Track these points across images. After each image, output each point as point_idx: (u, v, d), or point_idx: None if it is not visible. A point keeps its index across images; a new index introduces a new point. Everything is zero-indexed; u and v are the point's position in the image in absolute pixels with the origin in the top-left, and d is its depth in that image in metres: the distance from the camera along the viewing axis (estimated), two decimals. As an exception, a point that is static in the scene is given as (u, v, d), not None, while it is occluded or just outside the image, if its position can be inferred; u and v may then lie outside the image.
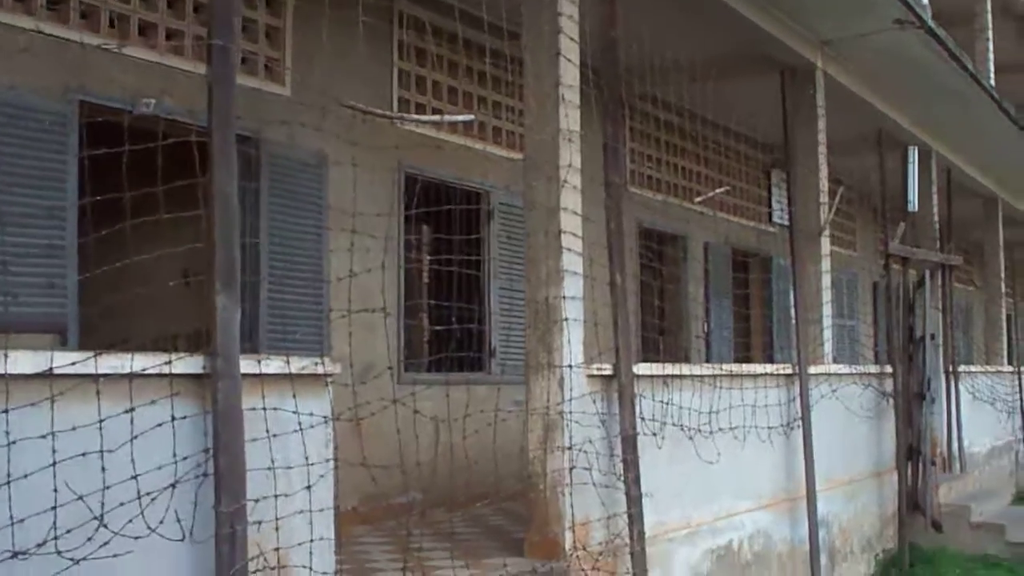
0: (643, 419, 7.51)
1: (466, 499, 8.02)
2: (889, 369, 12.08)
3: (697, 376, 8.34)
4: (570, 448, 6.86)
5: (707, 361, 12.83)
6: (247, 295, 8.01)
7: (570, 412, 6.87)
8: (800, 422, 9.84)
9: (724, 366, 8.82)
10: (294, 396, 4.87)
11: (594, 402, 7.11)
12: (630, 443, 7.22)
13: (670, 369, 8.00)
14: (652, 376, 7.75)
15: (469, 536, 7.99)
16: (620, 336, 7.31)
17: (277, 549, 4.71)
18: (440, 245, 10.66)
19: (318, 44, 7.83)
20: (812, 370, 10.22)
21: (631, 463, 7.19)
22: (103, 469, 4.07)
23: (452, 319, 9.92)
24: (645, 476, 7.23)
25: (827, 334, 10.94)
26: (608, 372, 7.26)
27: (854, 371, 11.48)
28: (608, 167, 7.43)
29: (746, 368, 9.22)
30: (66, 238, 6.74)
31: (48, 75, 6.67)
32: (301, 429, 4.89)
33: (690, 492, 8.29)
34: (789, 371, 9.87)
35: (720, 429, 8.55)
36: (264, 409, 4.73)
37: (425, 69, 9.77)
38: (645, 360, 8.62)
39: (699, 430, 8.26)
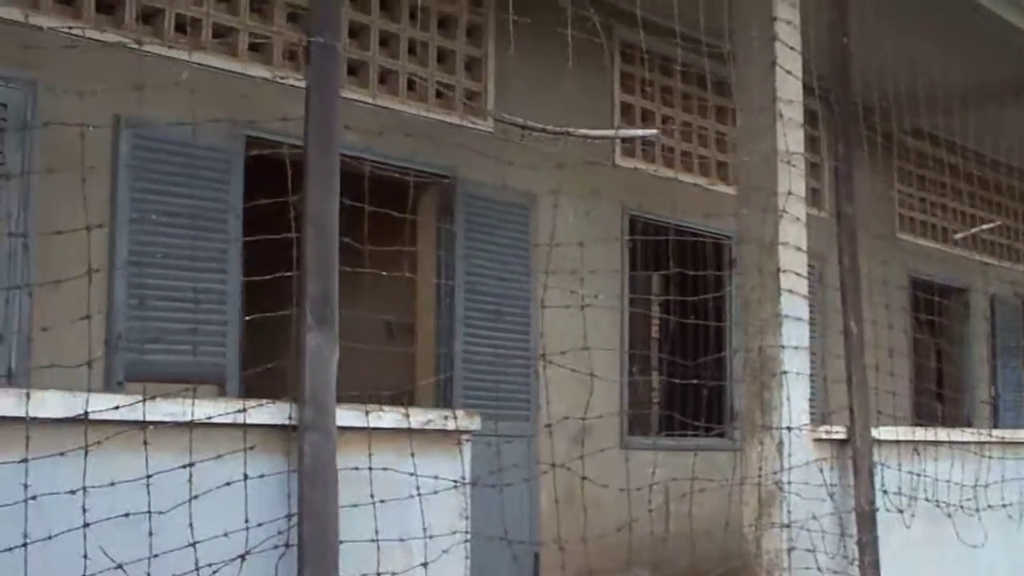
0: (885, 492, 6.36)
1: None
2: None
3: (958, 443, 7.08)
4: (788, 525, 5.81)
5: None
6: (441, 342, 7.37)
7: (789, 482, 5.83)
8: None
9: (994, 432, 7.49)
10: (412, 455, 4.11)
11: (821, 471, 6.04)
12: (866, 521, 6.11)
13: (922, 434, 6.81)
14: (898, 442, 6.59)
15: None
16: (855, 394, 6.24)
17: (382, 637, 3.96)
18: (671, 295, 9.71)
19: (520, 72, 7.16)
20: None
21: (867, 545, 6.08)
22: (150, 533, 3.41)
23: (688, 377, 8.94)
24: (888, 561, 6.10)
25: None
26: (840, 436, 6.19)
27: None
28: (839, 194, 6.41)
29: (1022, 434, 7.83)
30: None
31: (213, 110, 6.24)
32: (420, 495, 4.12)
33: (951, 579, 7.04)
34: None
35: (989, 506, 7.24)
36: (371, 469, 3.99)
37: (645, 100, 8.94)
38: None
39: (961, 507, 7.00)
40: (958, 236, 10.71)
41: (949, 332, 11.60)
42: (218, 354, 6.38)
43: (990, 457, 7.34)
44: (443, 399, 7.48)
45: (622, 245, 8.47)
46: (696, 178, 9.11)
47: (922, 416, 10.45)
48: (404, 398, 8.49)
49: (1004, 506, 7.40)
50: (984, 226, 10.70)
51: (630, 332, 8.99)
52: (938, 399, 11.45)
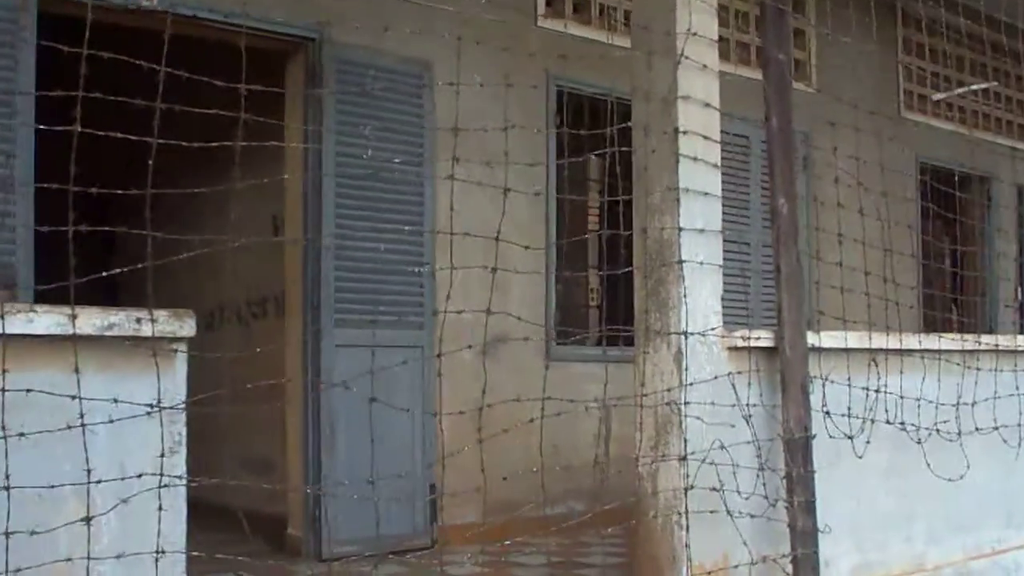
0: (828, 414, 5.04)
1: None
2: None
3: (933, 352, 5.70)
4: (684, 458, 4.53)
5: None
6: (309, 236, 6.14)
7: (685, 402, 4.54)
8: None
9: (984, 338, 6.09)
10: (77, 371, 2.91)
11: (734, 388, 4.73)
12: (796, 450, 4.81)
13: (882, 340, 5.43)
14: (847, 350, 5.24)
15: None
16: (785, 290, 4.90)
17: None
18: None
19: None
20: None
21: (798, 481, 4.78)
22: None
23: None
24: (833, 499, 4.94)
25: None
26: (765, 343, 4.86)
27: None
28: (767, 37, 5.04)
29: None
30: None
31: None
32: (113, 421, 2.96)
33: (921, 519, 5.71)
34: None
35: (977, 429, 5.88)
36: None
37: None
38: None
39: (937, 430, 5.65)
40: (936, 98, 9.16)
41: (969, 228, 10.10)
42: (6, 252, 5.20)
43: (977, 369, 5.96)
44: (310, 304, 6.23)
45: (547, 121, 7.13)
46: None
47: (932, 327, 9.03)
48: (269, 304, 7.30)
49: (996, 428, 6.03)
50: (973, 86, 9.11)
51: (559, 224, 7.65)
52: (955, 306, 10.01)
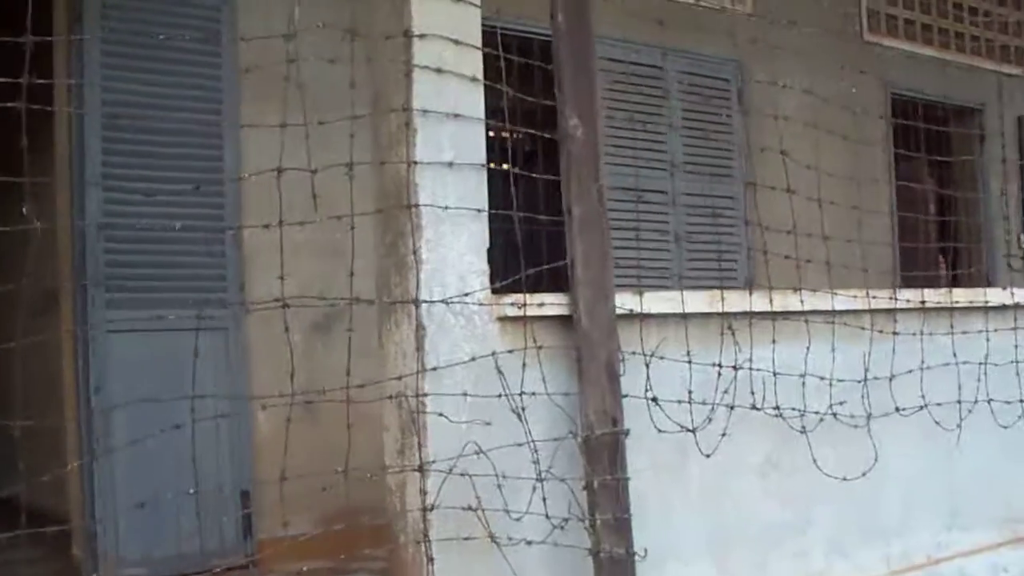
0: (655, 401, 3.83)
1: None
2: None
3: (822, 314, 4.45)
4: (420, 469, 3.37)
5: None
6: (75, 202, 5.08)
7: (424, 394, 3.39)
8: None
9: (906, 293, 4.81)
10: None
11: (500, 373, 3.54)
12: (602, 451, 3.62)
13: (742, 302, 4.19)
14: (685, 315, 4.02)
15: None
16: (580, 239, 3.69)
17: None
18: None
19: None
20: None
21: (604, 492, 3.59)
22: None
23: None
24: (691, 507, 4.05)
25: None
26: (554, 311, 3.67)
27: None
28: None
29: (961, 296, 5.08)
30: None
31: None
32: None
33: (819, 527, 4.48)
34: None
35: (900, 410, 4.62)
36: None
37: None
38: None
39: (833, 415, 4.41)
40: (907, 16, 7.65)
41: (959, 169, 8.68)
42: None
43: (895, 334, 4.70)
44: (79, 285, 5.13)
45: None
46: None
47: (913, 283, 7.67)
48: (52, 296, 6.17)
49: (924, 408, 4.75)
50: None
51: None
52: (944, 260, 8.63)
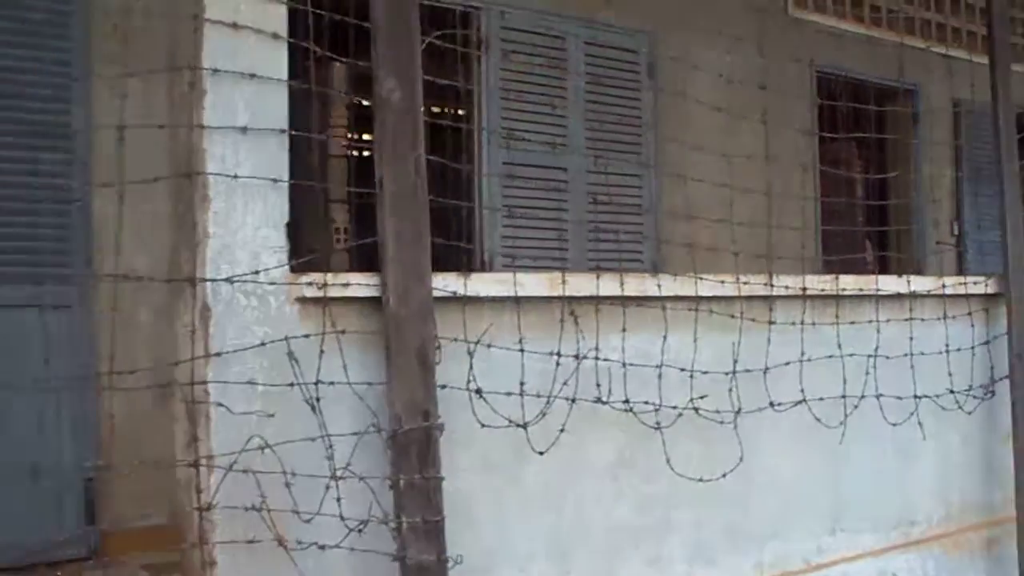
0: (479, 394, 3.51)
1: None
2: None
3: (686, 300, 4.13)
4: (195, 464, 3.04)
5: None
6: None
7: (207, 381, 3.06)
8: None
9: (786, 279, 4.48)
10: None
11: (293, 359, 3.20)
12: (411, 447, 3.29)
13: (586, 285, 3.87)
14: (518, 300, 3.68)
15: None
16: (391, 215, 3.36)
17: None
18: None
19: None
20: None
21: (412, 492, 3.27)
22: None
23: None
24: (528, 509, 3.75)
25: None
26: (361, 292, 3.34)
27: None
28: None
29: (849, 284, 4.75)
30: None
31: None
32: None
33: (680, 531, 4.17)
34: (983, 289, 5.32)
35: (775, 405, 4.32)
36: None
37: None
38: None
39: (694, 410, 4.09)
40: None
41: (891, 151, 8.35)
42: None
43: (771, 323, 4.39)
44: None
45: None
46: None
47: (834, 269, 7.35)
48: None
49: (803, 402, 4.44)
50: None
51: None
52: (872, 246, 8.31)
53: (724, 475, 4.10)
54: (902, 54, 7.84)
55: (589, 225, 6.28)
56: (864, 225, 8.25)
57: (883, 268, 7.88)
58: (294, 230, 3.30)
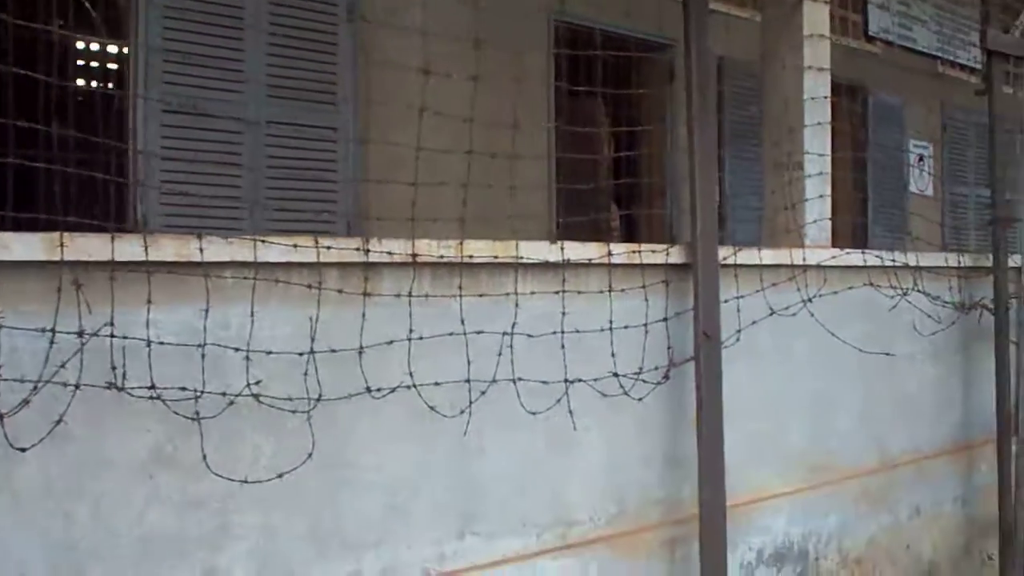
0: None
1: None
2: (979, 260, 6.62)
3: (240, 267, 3.49)
4: None
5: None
6: None
7: None
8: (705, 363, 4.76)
9: (385, 244, 3.85)
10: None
11: None
12: None
13: (97, 250, 3.21)
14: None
15: None
16: None
17: None
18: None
19: None
20: (746, 258, 5.10)
21: None
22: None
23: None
24: (13, 518, 2.77)
25: (814, 188, 5.73)
26: None
27: (878, 262, 5.93)
28: None
29: (480, 250, 4.13)
30: None
31: None
32: None
33: (246, 540, 3.56)
34: (664, 259, 4.76)
35: (371, 391, 3.72)
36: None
37: None
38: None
39: (254, 397, 3.46)
40: None
41: (645, 110, 7.80)
42: None
43: (367, 295, 3.77)
44: None
45: None
46: None
47: (572, 231, 6.78)
48: None
49: (412, 387, 3.83)
50: None
51: None
52: (619, 210, 7.77)
53: (288, 473, 3.47)
54: (660, 5, 7.29)
55: (272, 178, 5.60)
56: (612, 187, 7.70)
57: (631, 231, 7.35)
58: None
